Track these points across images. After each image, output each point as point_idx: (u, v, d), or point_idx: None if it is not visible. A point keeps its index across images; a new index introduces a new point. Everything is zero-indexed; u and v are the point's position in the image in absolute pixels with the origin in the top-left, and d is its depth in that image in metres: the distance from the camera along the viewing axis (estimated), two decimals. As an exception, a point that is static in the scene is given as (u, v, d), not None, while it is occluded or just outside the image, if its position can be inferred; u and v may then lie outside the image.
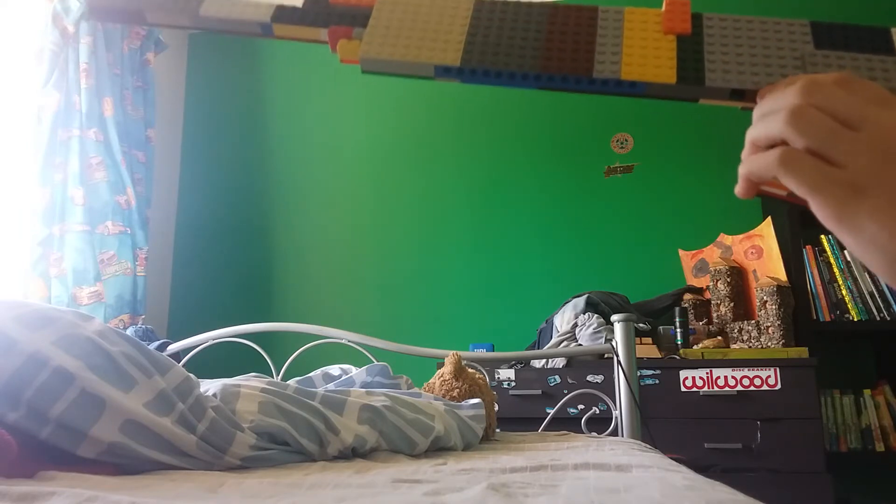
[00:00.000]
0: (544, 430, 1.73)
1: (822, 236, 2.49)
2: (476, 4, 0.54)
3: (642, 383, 2.17)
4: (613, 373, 1.68)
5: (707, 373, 2.16)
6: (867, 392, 2.41)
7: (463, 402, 1.34)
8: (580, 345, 2.32)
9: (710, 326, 2.51)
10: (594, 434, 1.58)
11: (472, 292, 2.96)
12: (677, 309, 2.42)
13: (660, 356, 2.28)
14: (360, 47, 0.51)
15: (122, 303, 2.46)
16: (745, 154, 0.48)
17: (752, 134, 0.47)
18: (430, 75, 0.51)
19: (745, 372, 2.14)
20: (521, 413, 2.20)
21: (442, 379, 1.44)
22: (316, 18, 0.53)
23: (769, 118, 0.44)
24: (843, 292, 2.41)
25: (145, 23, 0.54)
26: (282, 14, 0.54)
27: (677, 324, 2.39)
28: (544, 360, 2.35)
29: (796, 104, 0.42)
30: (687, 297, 2.63)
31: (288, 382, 1.12)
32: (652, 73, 0.50)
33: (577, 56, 0.51)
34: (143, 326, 2.34)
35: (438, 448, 1.15)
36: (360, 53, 0.51)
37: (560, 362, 2.31)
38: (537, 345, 2.65)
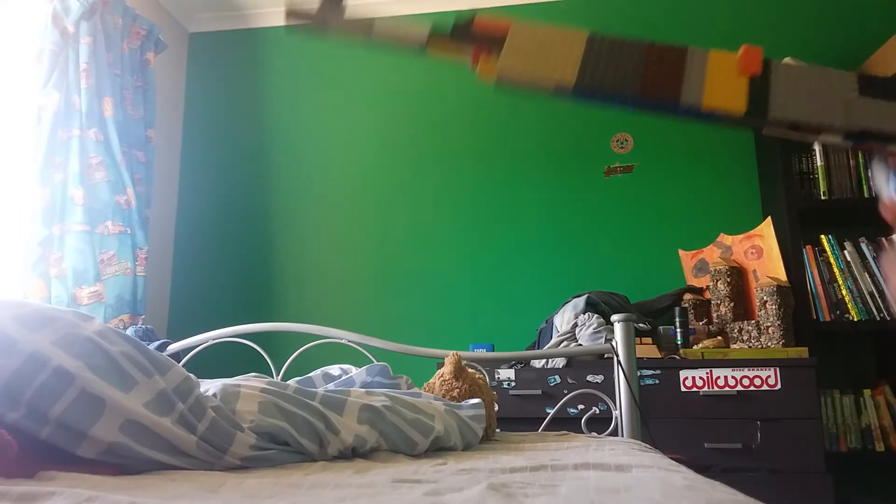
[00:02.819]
0: (544, 430, 1.73)
1: (822, 236, 2.49)
2: (588, 40, 0.66)
3: (642, 383, 2.17)
4: (613, 373, 1.68)
5: (707, 373, 2.16)
6: (867, 392, 2.41)
7: (463, 402, 1.34)
8: (580, 345, 2.32)
9: (710, 326, 2.51)
10: (594, 434, 1.58)
11: (472, 292, 2.96)
12: (677, 309, 2.42)
13: (660, 356, 2.28)
14: (496, 65, 0.64)
15: (122, 303, 2.46)
16: None
17: None
18: (550, 91, 0.64)
19: (745, 372, 2.14)
20: (521, 413, 2.20)
21: (442, 379, 1.44)
22: (461, 41, 0.67)
23: None
24: (843, 292, 2.41)
25: (329, 32, 0.69)
26: (434, 36, 0.68)
27: (677, 324, 2.39)
28: (544, 360, 2.35)
29: None
30: (687, 297, 2.63)
31: (288, 382, 1.12)
32: (727, 104, 0.62)
33: (668, 85, 0.63)
34: (143, 326, 2.34)
35: (438, 448, 1.15)
36: (496, 70, 0.64)
37: (560, 362, 2.31)
38: (537, 345, 2.65)
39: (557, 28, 0.66)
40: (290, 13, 0.68)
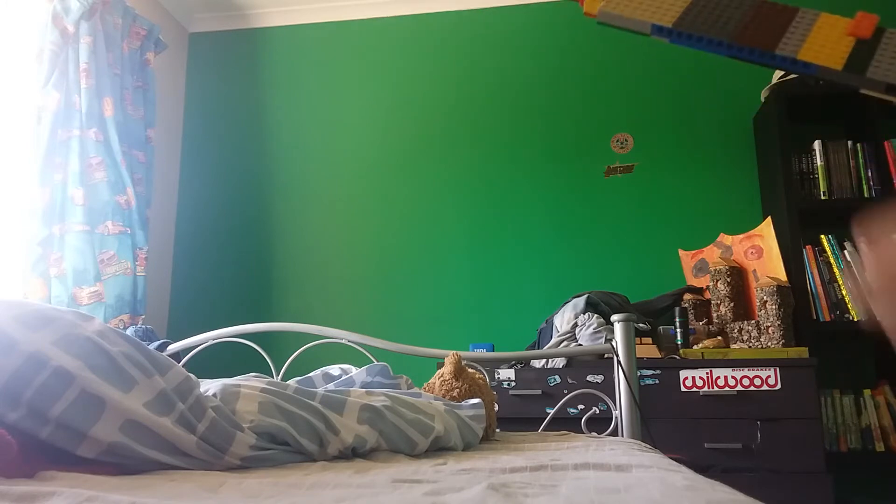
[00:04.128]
0: (544, 430, 1.72)
1: (822, 236, 2.49)
2: None
3: (642, 383, 2.17)
4: (613, 373, 1.68)
5: (707, 373, 2.16)
6: (867, 392, 2.41)
7: (463, 402, 1.34)
8: (580, 345, 2.32)
9: (710, 326, 2.51)
10: (594, 434, 1.58)
11: (472, 292, 2.96)
12: (677, 309, 2.42)
13: (660, 356, 2.28)
14: (601, 3, 0.66)
15: (122, 303, 2.46)
16: None
17: None
18: (647, 32, 0.64)
19: (745, 372, 2.14)
20: (521, 413, 2.20)
21: (442, 379, 1.44)
22: None
23: None
24: (843, 292, 2.41)
25: None
26: None
27: (677, 324, 2.39)
28: (544, 360, 2.35)
29: None
30: (687, 297, 2.63)
31: (288, 382, 1.12)
32: (824, 59, 0.61)
33: (768, 34, 0.63)
34: (143, 326, 2.34)
35: (438, 448, 1.15)
36: (599, 8, 0.65)
37: (560, 362, 2.31)
38: (537, 345, 2.65)
39: None
40: None
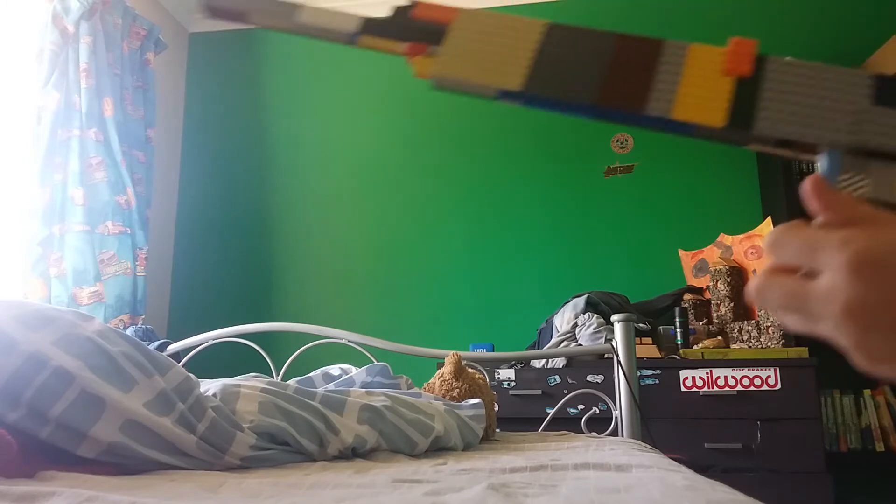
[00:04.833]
0: (544, 430, 1.72)
1: (822, 236, 2.49)
2: (548, 29, 0.57)
3: (642, 383, 2.17)
4: (613, 373, 1.68)
5: (707, 373, 2.16)
6: (867, 392, 2.41)
7: (463, 402, 1.34)
8: (580, 345, 2.32)
9: (710, 326, 2.51)
10: (594, 434, 1.58)
11: (471, 292, 2.96)
12: (677, 309, 2.42)
13: (660, 356, 2.28)
14: (432, 66, 0.54)
15: (122, 303, 2.46)
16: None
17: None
18: (493, 97, 0.54)
19: (745, 372, 2.14)
20: (521, 413, 2.20)
21: (442, 379, 1.44)
22: (398, 33, 0.55)
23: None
24: (843, 292, 2.41)
25: (250, 23, 0.58)
26: (368, 27, 0.56)
27: (677, 324, 2.39)
28: (544, 360, 2.35)
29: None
30: (687, 297, 2.63)
31: (288, 382, 1.12)
32: (702, 115, 0.50)
33: (633, 91, 0.52)
34: (143, 326, 2.34)
35: (438, 448, 1.15)
36: (431, 71, 0.54)
37: (560, 362, 2.31)
38: (537, 345, 2.65)
39: (514, 18, 0.57)
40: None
